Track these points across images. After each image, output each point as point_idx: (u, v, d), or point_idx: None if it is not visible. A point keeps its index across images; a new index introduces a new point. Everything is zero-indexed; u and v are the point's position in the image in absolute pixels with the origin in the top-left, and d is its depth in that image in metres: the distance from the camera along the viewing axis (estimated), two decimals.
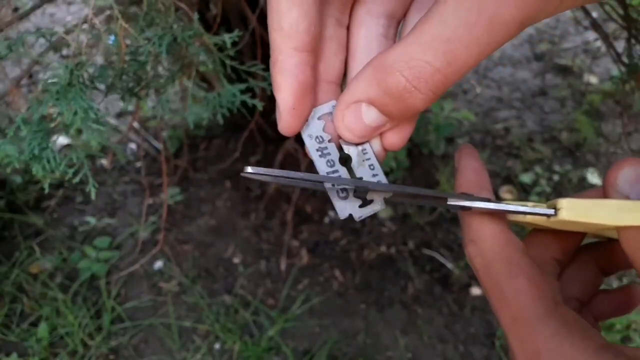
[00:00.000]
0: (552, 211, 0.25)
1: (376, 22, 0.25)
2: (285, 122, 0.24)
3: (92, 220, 1.46)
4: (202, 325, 1.24)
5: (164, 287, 1.32)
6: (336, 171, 0.25)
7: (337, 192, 0.24)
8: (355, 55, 0.26)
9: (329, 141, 0.25)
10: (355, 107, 0.23)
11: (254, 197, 1.51)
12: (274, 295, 1.30)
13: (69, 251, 1.39)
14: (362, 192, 0.24)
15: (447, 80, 0.20)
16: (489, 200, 0.25)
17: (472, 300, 1.28)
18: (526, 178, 1.54)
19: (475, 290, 1.30)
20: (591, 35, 1.96)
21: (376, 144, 0.25)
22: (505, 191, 1.51)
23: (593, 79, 1.87)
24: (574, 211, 0.25)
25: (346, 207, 0.24)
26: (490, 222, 0.26)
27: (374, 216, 1.45)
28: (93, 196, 0.56)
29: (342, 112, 0.23)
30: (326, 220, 1.46)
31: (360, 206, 0.24)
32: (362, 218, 0.24)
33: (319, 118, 0.25)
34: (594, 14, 1.23)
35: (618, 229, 0.24)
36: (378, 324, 1.24)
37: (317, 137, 0.25)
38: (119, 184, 1.58)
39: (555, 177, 1.56)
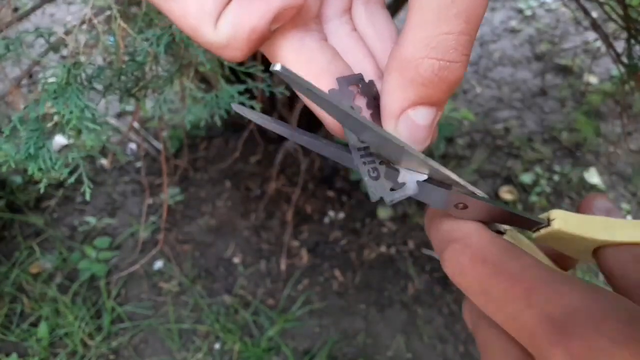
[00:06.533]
0: (544, 221, 0.25)
1: (338, 23, 0.25)
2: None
3: (92, 220, 1.46)
4: (202, 326, 1.24)
5: (164, 287, 1.32)
6: (367, 147, 0.23)
7: (369, 171, 0.23)
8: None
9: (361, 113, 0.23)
10: (403, 118, 0.22)
11: (254, 197, 1.51)
12: (274, 296, 1.30)
13: (69, 251, 1.39)
14: (393, 170, 0.23)
15: (471, 37, 0.19)
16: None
17: None
18: (526, 178, 1.54)
19: None
20: (591, 35, 1.96)
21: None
22: (505, 191, 1.51)
23: (593, 79, 1.87)
24: (567, 223, 0.24)
25: (378, 189, 0.23)
26: (474, 222, 0.24)
27: (374, 216, 1.45)
28: (87, 197, 0.56)
29: (395, 130, 0.22)
30: (326, 220, 1.46)
31: (392, 189, 0.23)
32: (394, 202, 0.23)
33: (349, 87, 0.23)
34: (594, 14, 1.23)
35: (603, 246, 0.24)
36: (378, 324, 1.24)
37: (350, 107, 0.22)
38: (119, 184, 1.58)
39: (555, 177, 1.56)
